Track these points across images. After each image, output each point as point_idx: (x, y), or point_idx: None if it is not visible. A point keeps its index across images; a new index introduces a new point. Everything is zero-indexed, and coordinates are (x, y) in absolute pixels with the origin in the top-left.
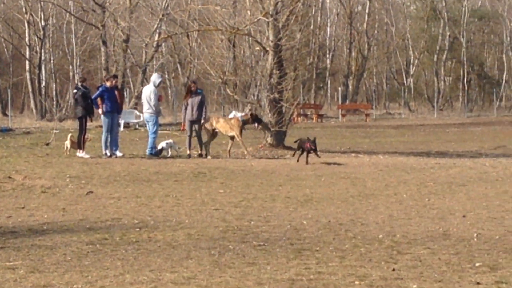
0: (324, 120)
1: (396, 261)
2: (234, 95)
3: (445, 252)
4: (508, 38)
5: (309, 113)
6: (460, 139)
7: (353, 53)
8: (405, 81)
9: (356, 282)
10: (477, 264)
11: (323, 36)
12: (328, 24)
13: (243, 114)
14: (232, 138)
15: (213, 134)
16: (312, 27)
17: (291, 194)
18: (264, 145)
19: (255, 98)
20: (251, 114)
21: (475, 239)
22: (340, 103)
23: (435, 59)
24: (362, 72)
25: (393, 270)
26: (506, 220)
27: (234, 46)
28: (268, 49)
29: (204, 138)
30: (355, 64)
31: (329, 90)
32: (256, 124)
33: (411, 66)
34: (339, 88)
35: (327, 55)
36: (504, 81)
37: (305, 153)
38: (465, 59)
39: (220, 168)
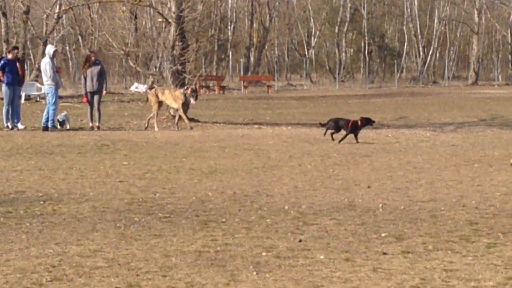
0: (226, 92)
1: (303, 232)
2: (136, 67)
3: (351, 222)
4: (409, 10)
5: (211, 85)
6: (362, 110)
7: (254, 25)
8: (306, 53)
9: (263, 253)
10: (383, 234)
11: (225, 8)
12: None
13: (185, 88)
14: (177, 110)
15: (159, 106)
16: None
17: (196, 165)
18: (167, 117)
19: (158, 70)
20: (192, 89)
21: (381, 210)
22: (242, 74)
23: (336, 30)
24: (264, 43)
25: (300, 241)
26: (410, 190)
27: (136, 17)
28: (170, 20)
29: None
30: (256, 36)
31: (231, 62)
32: (191, 100)
33: (312, 37)
34: (241, 60)
35: (229, 27)
36: (404, 53)
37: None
38: (366, 30)
39: (123, 140)
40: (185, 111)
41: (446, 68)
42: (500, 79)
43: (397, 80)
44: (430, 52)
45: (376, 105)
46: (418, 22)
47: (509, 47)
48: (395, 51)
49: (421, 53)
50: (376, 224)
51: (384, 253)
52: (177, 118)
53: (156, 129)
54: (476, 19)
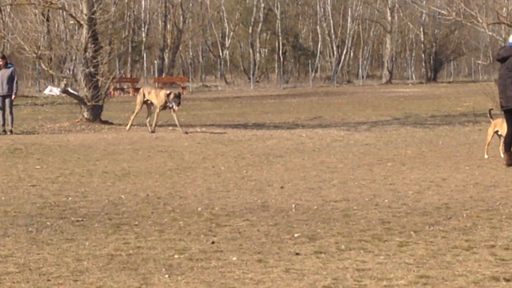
0: None
1: (216, 234)
2: (49, 70)
3: (264, 223)
4: (322, 9)
5: (125, 87)
6: (277, 111)
7: (168, 26)
8: (221, 54)
9: (176, 256)
10: (296, 235)
11: (138, 9)
12: None
13: (169, 92)
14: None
15: (147, 106)
16: (126, 0)
17: (109, 168)
18: (80, 119)
19: (71, 72)
20: (175, 94)
21: (294, 210)
22: (156, 76)
23: (250, 31)
24: (178, 45)
25: (213, 242)
26: (323, 190)
27: (48, 20)
28: (82, 22)
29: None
30: (170, 37)
31: (145, 64)
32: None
33: (226, 38)
34: (155, 62)
35: (143, 28)
36: (318, 52)
37: None
38: (280, 30)
39: (36, 143)
40: (158, 114)
41: (360, 67)
42: (413, 77)
43: (311, 80)
44: (344, 52)
45: (291, 105)
46: (331, 21)
47: (422, 46)
48: (309, 51)
49: (335, 53)
50: (289, 225)
51: (297, 254)
52: (153, 117)
53: (127, 128)
54: (389, 18)
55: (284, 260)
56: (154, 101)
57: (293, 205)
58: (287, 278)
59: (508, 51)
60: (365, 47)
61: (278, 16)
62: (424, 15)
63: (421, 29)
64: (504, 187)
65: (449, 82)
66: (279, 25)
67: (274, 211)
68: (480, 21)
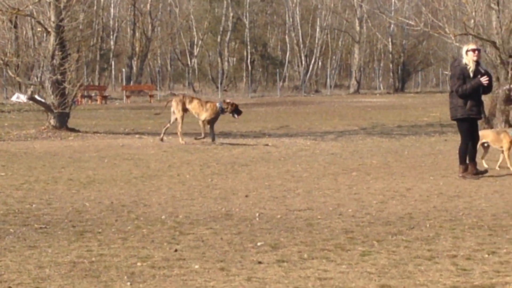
0: (108, 102)
1: (179, 242)
2: (16, 77)
3: (228, 232)
4: (291, 19)
5: (93, 94)
6: (244, 119)
7: (137, 34)
8: (189, 62)
9: (138, 264)
10: (259, 244)
11: (107, 17)
12: (112, 5)
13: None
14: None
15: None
16: (95, 7)
17: (74, 176)
18: (47, 127)
19: (38, 79)
20: (232, 104)
21: (257, 219)
22: (124, 84)
23: (218, 39)
24: (146, 53)
25: (175, 250)
26: (288, 199)
27: (15, 27)
28: (50, 30)
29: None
30: (139, 45)
31: (113, 71)
32: (234, 114)
33: (195, 47)
34: (123, 69)
35: (111, 36)
36: (287, 62)
37: None
38: (248, 39)
39: (2, 150)
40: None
41: (328, 77)
42: (381, 87)
43: (279, 89)
44: (312, 61)
45: (258, 114)
46: (300, 31)
47: (390, 56)
48: (278, 60)
49: (303, 62)
50: (252, 233)
51: (259, 262)
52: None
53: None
54: (358, 28)
55: (247, 268)
56: (197, 112)
57: (257, 214)
58: (249, 287)
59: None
60: (333, 57)
61: (247, 25)
62: (392, 25)
63: (390, 39)
64: (467, 197)
65: (417, 93)
66: (248, 34)
67: (238, 219)
68: (448, 32)
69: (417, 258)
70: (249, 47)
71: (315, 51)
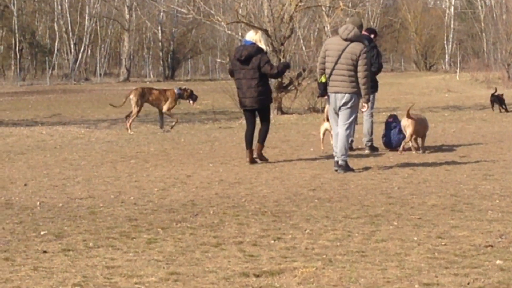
0: None
1: None
2: None
3: (9, 221)
4: (59, 7)
5: None
6: (15, 108)
7: None
8: None
9: None
10: (42, 233)
11: None
12: None
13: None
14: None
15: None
16: None
17: None
18: None
19: None
20: (187, 89)
21: (39, 208)
22: None
23: None
24: None
25: None
26: (68, 187)
27: None
28: None
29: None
30: None
31: None
32: (190, 100)
33: None
34: None
35: None
36: (56, 50)
37: None
38: (16, 27)
39: None
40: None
41: (98, 65)
42: (151, 75)
43: (49, 77)
44: (82, 49)
45: (29, 102)
46: (69, 18)
47: (160, 44)
48: (47, 48)
49: (72, 50)
50: (35, 222)
51: (45, 252)
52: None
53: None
54: (127, 16)
55: (32, 258)
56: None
57: (38, 203)
58: (35, 277)
59: (250, 50)
60: (103, 45)
61: (15, 13)
62: (162, 13)
63: (159, 27)
64: (248, 183)
65: (187, 80)
66: (16, 22)
67: (19, 208)
68: (220, 19)
69: (204, 245)
70: (17, 35)
71: (84, 39)
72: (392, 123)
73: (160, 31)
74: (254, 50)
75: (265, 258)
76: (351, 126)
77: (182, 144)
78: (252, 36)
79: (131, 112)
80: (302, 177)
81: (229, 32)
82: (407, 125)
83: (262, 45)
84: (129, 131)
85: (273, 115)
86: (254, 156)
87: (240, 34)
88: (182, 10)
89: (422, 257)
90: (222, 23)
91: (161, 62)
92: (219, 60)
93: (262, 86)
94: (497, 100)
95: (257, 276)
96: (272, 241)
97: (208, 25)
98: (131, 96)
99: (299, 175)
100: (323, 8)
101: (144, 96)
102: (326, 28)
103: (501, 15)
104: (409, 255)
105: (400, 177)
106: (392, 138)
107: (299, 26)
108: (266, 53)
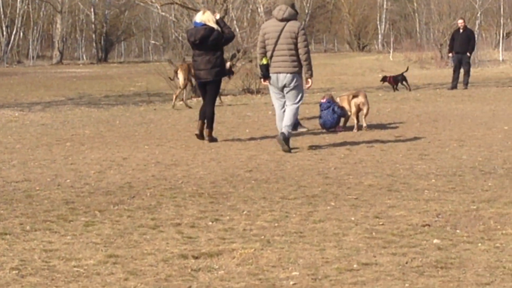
0: None
1: None
2: None
3: None
4: None
5: None
6: None
7: None
8: None
9: None
10: None
11: None
12: None
13: None
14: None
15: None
16: None
17: None
18: None
19: None
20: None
21: None
22: None
23: None
24: None
25: None
26: (3, 171)
27: None
28: None
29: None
30: None
31: None
32: (229, 76)
33: None
34: None
35: None
36: None
37: None
38: None
39: None
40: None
41: (31, 47)
42: (85, 58)
43: None
44: (14, 32)
45: None
46: (0, 0)
47: (93, 26)
48: None
49: (4, 33)
50: None
51: None
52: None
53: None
54: None
55: None
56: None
57: None
58: None
59: (202, 33)
60: (35, 28)
61: None
62: None
63: (92, 9)
64: (185, 165)
65: (120, 63)
66: None
67: None
68: (153, 1)
69: (142, 227)
70: None
71: (16, 21)
72: (325, 103)
73: (93, 13)
74: (207, 32)
75: (203, 240)
76: (299, 105)
77: (117, 127)
78: (201, 17)
79: (179, 86)
80: (239, 158)
81: (163, 13)
82: (362, 102)
83: (213, 24)
84: (176, 102)
85: None
86: (206, 139)
87: (173, 15)
88: None
89: (360, 237)
90: (156, 5)
91: (94, 45)
92: (152, 41)
93: (217, 59)
94: (404, 79)
95: (196, 257)
96: (210, 223)
97: (141, 6)
98: (179, 71)
99: (235, 156)
100: None
101: (190, 71)
102: (259, 9)
103: None
104: (347, 235)
105: (336, 157)
106: (326, 119)
107: (233, 8)
108: (217, 30)
